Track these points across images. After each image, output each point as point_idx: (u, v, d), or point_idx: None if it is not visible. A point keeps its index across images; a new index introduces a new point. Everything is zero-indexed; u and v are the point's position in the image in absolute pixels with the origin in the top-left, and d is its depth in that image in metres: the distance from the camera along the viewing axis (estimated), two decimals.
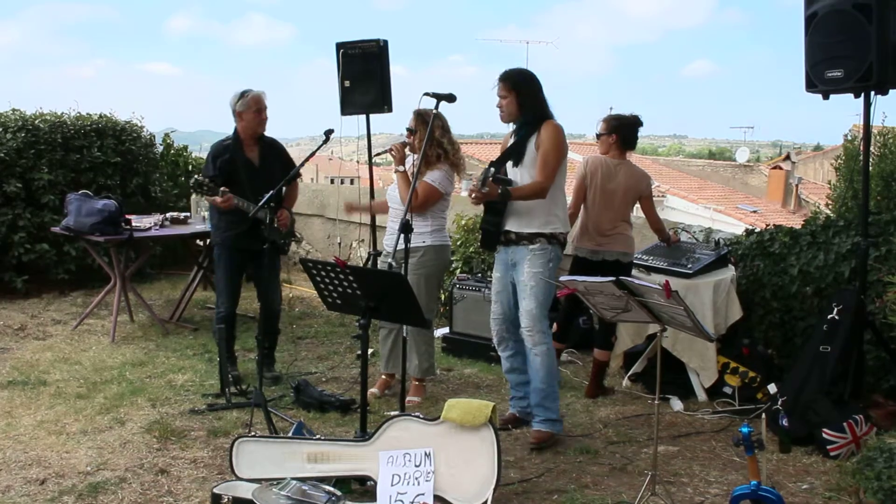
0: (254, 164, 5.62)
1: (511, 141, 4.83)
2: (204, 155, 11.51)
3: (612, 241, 5.31)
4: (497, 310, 4.94)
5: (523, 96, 4.68)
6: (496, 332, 4.96)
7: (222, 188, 5.41)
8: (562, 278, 4.11)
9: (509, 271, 4.81)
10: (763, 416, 3.88)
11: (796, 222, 7.11)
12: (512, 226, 4.73)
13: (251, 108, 5.54)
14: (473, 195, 4.59)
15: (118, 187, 9.00)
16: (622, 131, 5.46)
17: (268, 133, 5.76)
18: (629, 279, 3.71)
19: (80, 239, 7.18)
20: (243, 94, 5.55)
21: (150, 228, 7.23)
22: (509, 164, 4.76)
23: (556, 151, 4.63)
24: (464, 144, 29.73)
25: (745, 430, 3.24)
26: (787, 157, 30.09)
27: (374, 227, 6.99)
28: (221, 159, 5.60)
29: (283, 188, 5.36)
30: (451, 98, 4.61)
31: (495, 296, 4.95)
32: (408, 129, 5.29)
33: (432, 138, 5.09)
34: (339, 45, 6.79)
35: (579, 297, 4.10)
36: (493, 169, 4.66)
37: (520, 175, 4.70)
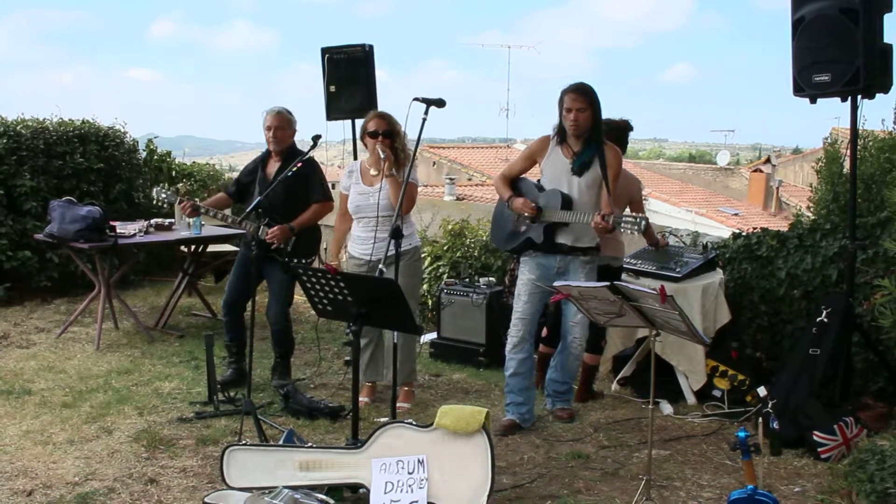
0: (267, 180, 5.57)
1: (553, 149, 4.99)
2: (186, 160, 11.48)
3: (602, 246, 5.30)
4: (527, 310, 5.03)
5: (597, 112, 4.87)
6: (519, 332, 5.03)
7: (180, 196, 5.64)
8: (556, 283, 4.12)
9: (550, 276, 4.90)
10: (760, 420, 3.88)
11: (777, 225, 7.14)
12: (566, 239, 4.93)
13: (263, 126, 5.62)
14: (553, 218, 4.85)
15: (101, 193, 8.92)
16: (611, 136, 5.45)
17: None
18: (624, 284, 3.71)
19: (64, 246, 7.11)
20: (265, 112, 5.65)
21: (134, 235, 7.15)
22: (567, 171, 4.90)
23: (619, 177, 4.99)
24: (445, 149, 29.76)
25: (741, 434, 3.24)
26: (768, 160, 30.26)
27: None
28: (247, 171, 5.80)
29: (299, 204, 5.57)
30: (440, 103, 4.59)
31: (528, 297, 5.02)
32: (379, 133, 5.19)
33: (401, 139, 5.21)
34: (325, 50, 6.78)
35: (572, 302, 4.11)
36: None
37: (575, 185, 4.87)
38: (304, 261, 5.64)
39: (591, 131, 4.86)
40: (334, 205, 5.79)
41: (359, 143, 6.96)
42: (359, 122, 6.87)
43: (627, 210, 5.48)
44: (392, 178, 5.16)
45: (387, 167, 5.16)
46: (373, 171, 5.33)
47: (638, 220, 4.46)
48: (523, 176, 5.19)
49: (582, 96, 4.81)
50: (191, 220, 7.34)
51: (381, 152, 5.14)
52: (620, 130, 5.48)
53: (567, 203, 4.84)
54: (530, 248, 5.01)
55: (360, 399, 5.27)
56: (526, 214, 4.91)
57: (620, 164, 4.98)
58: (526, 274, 5.03)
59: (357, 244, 5.41)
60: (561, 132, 4.94)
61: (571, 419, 5.19)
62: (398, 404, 5.24)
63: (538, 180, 5.07)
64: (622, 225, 4.50)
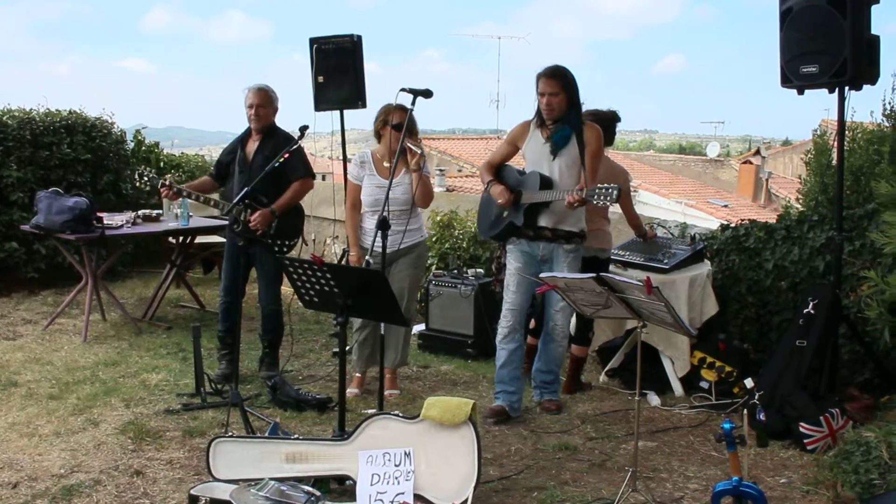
0: (246, 159, 5.53)
1: (533, 132, 4.96)
2: (175, 151, 11.43)
3: (589, 237, 5.28)
4: (517, 300, 5.01)
5: (573, 93, 4.82)
6: (510, 322, 5.01)
7: (162, 179, 5.58)
8: (542, 275, 4.11)
9: (534, 264, 4.92)
10: (745, 411, 3.89)
11: (766, 216, 7.17)
12: (548, 222, 4.90)
13: (245, 104, 5.55)
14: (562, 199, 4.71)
15: (89, 184, 8.87)
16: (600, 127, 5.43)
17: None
18: (610, 275, 3.70)
19: (51, 237, 7.08)
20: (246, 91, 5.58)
21: (122, 226, 7.12)
22: (546, 153, 4.87)
23: (601, 155, 4.95)
24: (436, 140, 29.70)
25: (727, 426, 3.24)
26: (757, 152, 30.34)
27: None
28: (227, 151, 5.70)
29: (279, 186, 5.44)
30: (427, 94, 4.58)
31: (516, 286, 5.00)
32: (401, 126, 5.04)
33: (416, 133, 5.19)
34: (313, 41, 6.72)
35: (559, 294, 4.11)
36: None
37: (556, 167, 4.84)
38: (287, 242, 5.63)
39: (567, 113, 4.83)
40: (314, 182, 5.82)
41: (347, 134, 6.94)
42: (347, 113, 6.84)
43: None
44: (418, 174, 5.13)
45: (415, 162, 5.11)
46: (386, 163, 5.31)
47: (609, 189, 4.42)
48: (507, 163, 5.16)
49: (554, 80, 4.78)
50: (178, 210, 7.31)
51: (414, 147, 5.04)
52: (608, 121, 5.45)
53: (546, 184, 4.82)
54: (513, 234, 4.98)
55: (350, 390, 5.28)
56: (500, 202, 4.90)
57: (600, 143, 4.90)
58: (513, 263, 5.01)
59: (370, 237, 5.33)
60: (540, 116, 4.93)
61: (559, 411, 5.19)
62: (389, 391, 5.25)
63: (524, 167, 5.06)
64: (595, 197, 4.45)
